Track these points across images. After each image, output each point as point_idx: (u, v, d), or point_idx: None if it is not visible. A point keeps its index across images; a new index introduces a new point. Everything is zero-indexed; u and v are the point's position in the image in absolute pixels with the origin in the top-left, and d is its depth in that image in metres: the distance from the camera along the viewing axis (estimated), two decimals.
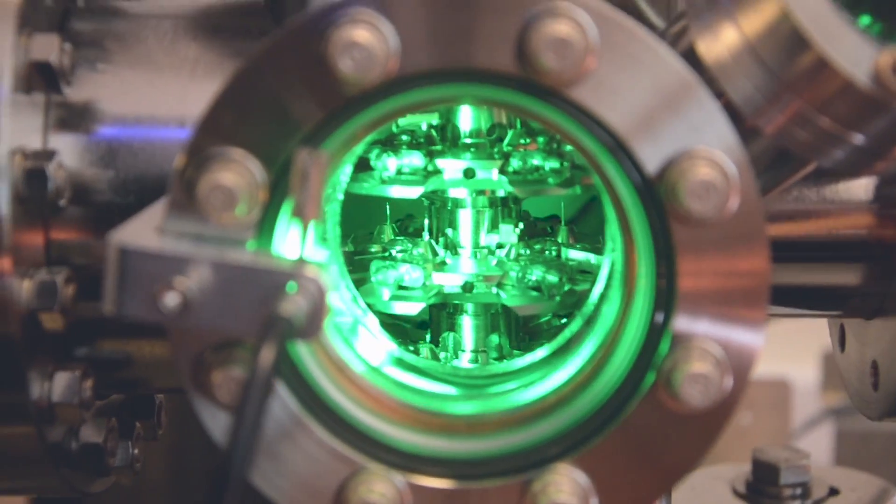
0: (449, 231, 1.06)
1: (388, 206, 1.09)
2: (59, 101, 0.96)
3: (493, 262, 1.05)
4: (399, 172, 1.03)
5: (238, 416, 0.73)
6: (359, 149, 1.01)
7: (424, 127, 1.05)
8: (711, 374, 0.83)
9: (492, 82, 0.82)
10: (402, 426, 0.90)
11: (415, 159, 1.03)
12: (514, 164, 1.03)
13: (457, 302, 1.06)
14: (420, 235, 1.08)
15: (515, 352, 1.06)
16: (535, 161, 1.03)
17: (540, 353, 1.03)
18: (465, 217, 1.06)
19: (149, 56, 0.98)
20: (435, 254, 1.06)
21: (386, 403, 0.91)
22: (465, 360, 1.06)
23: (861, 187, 1.02)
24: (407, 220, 1.11)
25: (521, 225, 1.06)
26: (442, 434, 0.90)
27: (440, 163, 1.03)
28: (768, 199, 0.92)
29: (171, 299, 0.77)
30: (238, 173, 0.81)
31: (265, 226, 0.83)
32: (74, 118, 0.96)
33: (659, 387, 0.84)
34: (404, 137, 1.05)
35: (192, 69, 0.98)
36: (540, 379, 0.96)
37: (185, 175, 0.82)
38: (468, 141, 1.05)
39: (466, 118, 1.05)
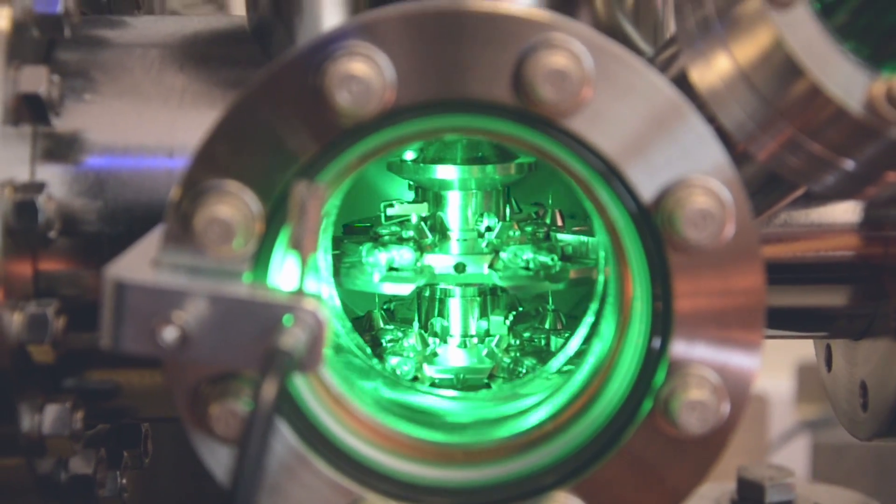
0: (439, 320, 1.06)
1: (377, 298, 1.09)
2: (46, 132, 0.96)
3: (484, 351, 1.06)
4: (391, 268, 1.03)
5: (241, 452, 0.73)
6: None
7: (414, 219, 1.05)
8: (709, 401, 0.83)
9: (488, 113, 0.82)
10: (400, 456, 0.90)
11: (405, 254, 1.03)
12: (504, 257, 1.04)
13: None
14: (409, 323, 1.08)
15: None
16: (526, 255, 1.04)
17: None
18: (454, 305, 1.06)
19: (136, 86, 0.98)
20: (426, 344, 1.06)
21: (383, 434, 0.91)
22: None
23: (848, 210, 1.02)
24: (394, 305, 1.11)
25: (510, 316, 1.07)
26: (439, 463, 0.90)
27: (430, 259, 1.03)
28: (758, 222, 0.92)
29: (169, 333, 0.77)
30: (234, 206, 0.81)
31: (261, 257, 0.83)
32: (62, 149, 0.96)
33: (656, 414, 0.84)
34: (394, 228, 1.05)
35: (180, 99, 0.97)
36: (537, 405, 0.96)
37: (181, 208, 0.81)
38: (457, 234, 1.05)
39: (455, 209, 1.06)
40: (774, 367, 2.36)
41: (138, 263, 0.81)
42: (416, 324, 1.07)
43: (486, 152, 1.04)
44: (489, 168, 1.03)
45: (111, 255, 0.85)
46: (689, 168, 0.82)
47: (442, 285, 1.05)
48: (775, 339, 1.12)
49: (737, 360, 0.84)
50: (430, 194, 1.06)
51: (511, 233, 1.04)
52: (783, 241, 1.02)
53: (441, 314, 1.06)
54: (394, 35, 0.80)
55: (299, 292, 0.78)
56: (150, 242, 0.84)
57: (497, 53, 0.80)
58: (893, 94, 0.79)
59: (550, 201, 1.08)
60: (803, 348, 2.13)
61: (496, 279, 1.03)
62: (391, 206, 1.05)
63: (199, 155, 0.82)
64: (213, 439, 0.84)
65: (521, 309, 1.10)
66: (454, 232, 1.05)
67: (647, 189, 0.82)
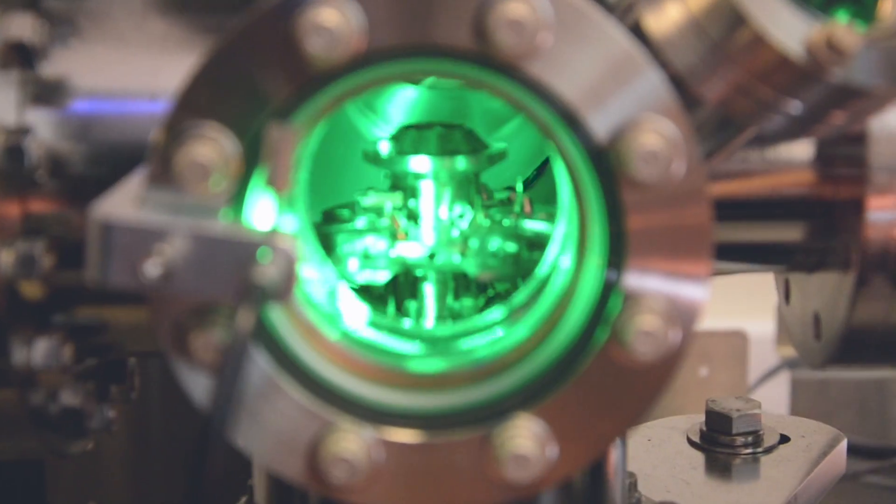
0: (412, 302, 1.11)
1: None
2: (33, 78, 0.99)
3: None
4: (366, 256, 1.09)
5: (220, 376, 0.78)
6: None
7: (389, 208, 1.10)
8: (659, 330, 0.88)
9: (452, 57, 0.87)
10: (371, 383, 0.94)
11: (379, 243, 1.08)
12: (473, 245, 1.09)
13: None
14: (384, 302, 1.12)
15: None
16: (494, 244, 1.09)
17: (498, 313, 1.08)
18: (428, 289, 1.11)
19: (119, 32, 1.02)
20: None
21: (355, 362, 0.96)
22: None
23: (802, 149, 1.06)
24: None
25: (482, 299, 1.12)
26: (408, 390, 0.95)
27: (402, 247, 1.08)
28: (714, 162, 0.97)
29: (152, 268, 0.81)
30: (213, 147, 0.85)
31: (238, 196, 0.87)
32: (49, 93, 0.99)
33: (610, 342, 0.89)
34: (370, 217, 1.10)
35: (162, 44, 1.01)
36: (500, 337, 1.01)
37: (162, 149, 0.86)
38: (429, 222, 1.10)
39: (428, 198, 1.10)
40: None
41: (122, 202, 0.85)
42: (390, 307, 1.12)
43: (459, 144, 1.10)
44: (460, 159, 1.09)
45: (96, 195, 0.88)
46: (641, 111, 0.87)
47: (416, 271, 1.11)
48: (741, 273, 1.17)
49: (686, 291, 0.89)
50: (404, 183, 1.11)
51: (481, 221, 1.10)
52: (741, 179, 1.07)
53: (414, 296, 1.11)
54: None
55: (274, 229, 0.83)
56: (133, 183, 0.88)
57: (459, 1, 0.85)
58: (832, 40, 0.83)
59: (520, 188, 1.13)
60: None
61: (466, 267, 1.09)
62: (366, 195, 1.11)
63: (180, 99, 0.86)
64: (193, 367, 0.89)
65: (490, 293, 1.14)
66: (427, 220, 1.10)
67: (601, 130, 0.87)
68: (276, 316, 0.92)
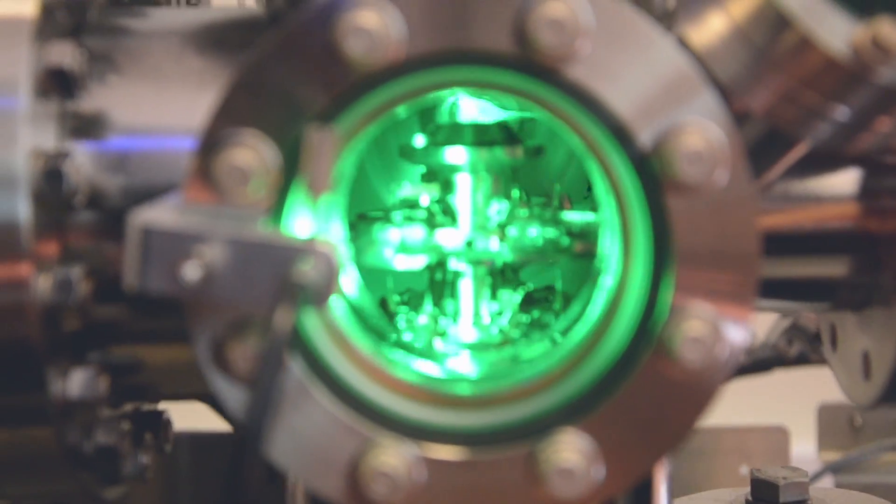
0: (450, 301, 1.10)
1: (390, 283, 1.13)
2: (72, 111, 0.99)
3: (494, 329, 1.09)
4: (402, 246, 1.07)
5: (257, 380, 0.76)
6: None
7: (425, 200, 1.09)
8: (707, 336, 0.86)
9: (492, 63, 0.86)
10: (412, 400, 0.93)
11: (416, 231, 1.07)
12: (512, 233, 1.07)
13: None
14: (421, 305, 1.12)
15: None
16: (533, 231, 1.07)
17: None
18: (465, 286, 1.09)
19: (157, 69, 1.02)
20: (437, 324, 1.09)
21: (395, 380, 0.94)
22: None
23: (846, 181, 1.05)
24: (406, 296, 1.14)
25: (521, 291, 1.11)
26: (451, 407, 0.93)
27: (439, 236, 1.07)
28: (764, 181, 0.96)
29: (191, 274, 0.80)
30: (252, 154, 0.85)
31: (278, 204, 0.87)
32: (87, 127, 0.99)
33: (657, 353, 0.88)
34: (406, 210, 1.09)
35: (199, 81, 1.02)
36: (544, 354, 0.99)
37: (202, 156, 0.85)
38: (466, 215, 1.08)
39: (465, 192, 1.09)
40: (796, 410, 2.36)
41: (162, 210, 0.84)
42: (428, 304, 1.10)
43: (496, 136, 1.08)
44: (497, 150, 1.07)
45: None
46: (686, 114, 0.86)
47: (452, 266, 1.09)
48: (776, 310, 1.14)
49: (733, 303, 0.87)
50: (440, 177, 1.10)
51: (519, 212, 1.08)
52: (782, 212, 1.05)
53: (452, 296, 1.09)
54: None
55: (313, 235, 0.82)
56: (173, 195, 0.88)
57: (500, 4, 0.85)
58: (878, 39, 0.83)
59: (558, 188, 1.12)
60: (824, 392, 2.13)
61: (505, 253, 1.06)
62: (402, 187, 1.09)
63: (219, 107, 0.86)
64: (231, 379, 0.87)
65: (530, 287, 1.13)
66: (464, 212, 1.09)
67: (645, 135, 0.86)
68: (315, 331, 0.91)
